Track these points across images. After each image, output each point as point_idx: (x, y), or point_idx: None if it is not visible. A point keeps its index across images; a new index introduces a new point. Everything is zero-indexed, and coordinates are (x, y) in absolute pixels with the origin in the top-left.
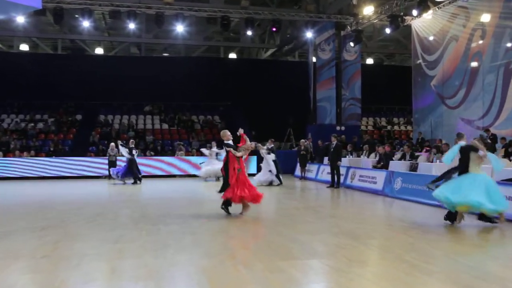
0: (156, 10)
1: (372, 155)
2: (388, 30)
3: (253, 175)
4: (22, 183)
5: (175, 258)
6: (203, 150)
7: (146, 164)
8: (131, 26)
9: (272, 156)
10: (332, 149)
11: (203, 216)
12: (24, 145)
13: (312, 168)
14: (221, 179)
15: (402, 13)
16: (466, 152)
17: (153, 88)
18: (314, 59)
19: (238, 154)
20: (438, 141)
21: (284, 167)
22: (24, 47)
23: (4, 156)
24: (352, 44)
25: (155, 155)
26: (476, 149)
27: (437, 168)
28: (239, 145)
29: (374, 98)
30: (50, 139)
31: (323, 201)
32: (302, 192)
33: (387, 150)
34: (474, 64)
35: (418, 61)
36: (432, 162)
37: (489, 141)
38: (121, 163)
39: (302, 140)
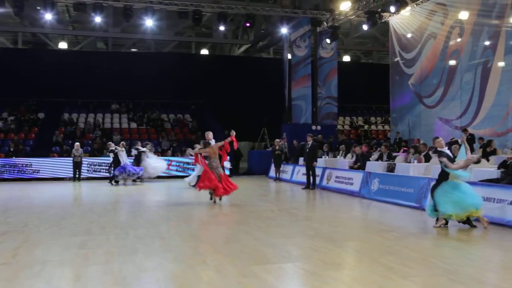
0: (124, 3)
1: (349, 155)
2: (365, 27)
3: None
4: None
5: (144, 264)
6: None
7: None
8: (97, 19)
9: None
10: (307, 149)
11: (173, 219)
12: None
13: (287, 169)
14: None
15: (379, 10)
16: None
17: (121, 85)
18: (289, 56)
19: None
20: (416, 141)
21: (258, 168)
22: None
23: None
24: (328, 40)
25: None
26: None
27: (414, 168)
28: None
29: (351, 97)
30: (9, 138)
31: (298, 203)
32: (276, 194)
33: (364, 150)
34: (452, 62)
35: (396, 59)
36: (409, 162)
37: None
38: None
39: (277, 140)
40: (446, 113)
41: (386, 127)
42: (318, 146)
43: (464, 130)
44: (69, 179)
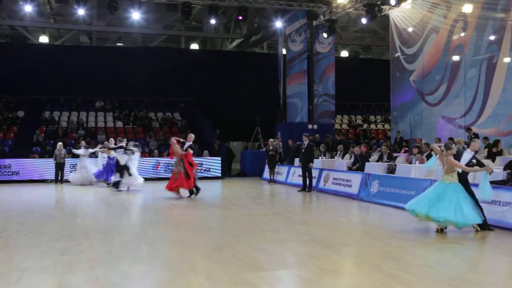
0: None
1: (347, 156)
2: (364, 20)
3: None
4: None
5: (130, 271)
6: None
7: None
8: (81, 12)
9: (124, 158)
10: (303, 150)
11: (161, 224)
12: None
13: (282, 171)
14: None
15: (379, 2)
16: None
17: (106, 82)
18: (284, 51)
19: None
20: (418, 141)
21: (251, 169)
22: None
23: None
24: (325, 35)
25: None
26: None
27: (416, 170)
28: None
29: (349, 94)
30: None
31: (293, 206)
32: (271, 196)
33: (363, 150)
34: (455, 58)
35: (397, 54)
36: (411, 163)
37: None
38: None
39: (271, 140)
40: (449, 111)
41: (386, 126)
42: (315, 146)
43: (468, 129)
44: (51, 181)
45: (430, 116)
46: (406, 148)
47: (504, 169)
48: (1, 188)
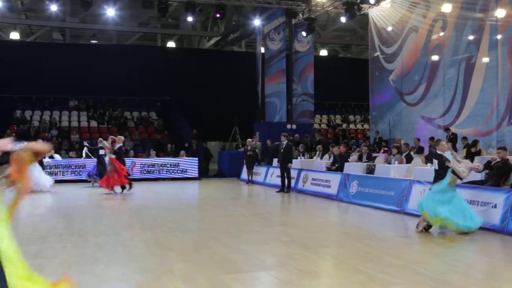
0: None
1: (326, 156)
2: (343, 19)
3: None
4: None
5: (105, 274)
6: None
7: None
8: (53, 8)
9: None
10: (282, 150)
11: (137, 226)
12: None
13: (260, 171)
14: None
15: (358, 1)
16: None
17: (80, 80)
18: (262, 50)
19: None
20: (397, 140)
21: (229, 170)
22: None
23: None
24: (304, 33)
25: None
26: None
27: (395, 170)
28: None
29: (328, 94)
30: None
31: (272, 207)
32: (249, 197)
33: (342, 150)
34: (434, 57)
35: (376, 54)
36: (390, 163)
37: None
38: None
39: (249, 140)
40: (429, 111)
41: (366, 126)
42: (293, 146)
43: (447, 129)
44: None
45: (409, 116)
46: (385, 148)
47: (483, 170)
48: None
